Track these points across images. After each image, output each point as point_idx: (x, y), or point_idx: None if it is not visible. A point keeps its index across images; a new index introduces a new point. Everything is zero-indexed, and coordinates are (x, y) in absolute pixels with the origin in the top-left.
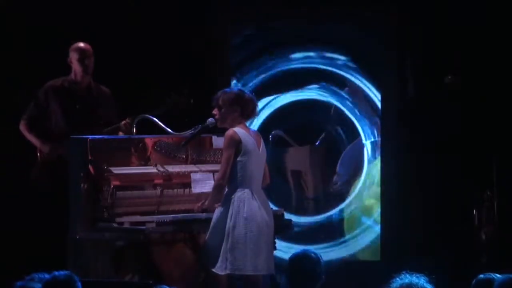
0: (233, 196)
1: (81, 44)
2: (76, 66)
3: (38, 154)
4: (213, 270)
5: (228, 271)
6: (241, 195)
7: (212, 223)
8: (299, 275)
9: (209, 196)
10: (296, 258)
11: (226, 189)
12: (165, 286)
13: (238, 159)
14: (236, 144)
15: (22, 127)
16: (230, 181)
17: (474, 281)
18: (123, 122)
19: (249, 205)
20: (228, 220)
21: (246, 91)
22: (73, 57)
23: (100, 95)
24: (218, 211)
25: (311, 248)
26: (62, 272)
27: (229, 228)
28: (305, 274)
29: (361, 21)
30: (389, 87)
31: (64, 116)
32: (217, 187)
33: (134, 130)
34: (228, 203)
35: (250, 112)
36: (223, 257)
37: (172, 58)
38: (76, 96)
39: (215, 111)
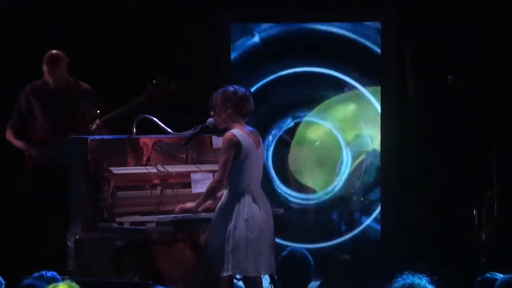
0: (233, 198)
1: (50, 54)
2: (46, 74)
3: (26, 159)
4: (215, 271)
5: (229, 272)
6: (241, 197)
7: (212, 224)
8: (288, 276)
9: (201, 196)
10: (283, 259)
11: (226, 191)
12: (160, 286)
13: (238, 161)
14: (234, 147)
15: (8, 135)
16: (229, 182)
17: (479, 278)
18: (94, 126)
19: (250, 207)
20: (229, 221)
21: (240, 88)
22: (44, 66)
23: (80, 92)
24: (218, 212)
25: (310, 248)
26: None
27: (230, 230)
28: (293, 274)
29: (361, 21)
30: (389, 87)
31: (46, 117)
32: (212, 189)
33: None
34: (228, 204)
35: (245, 109)
36: (225, 258)
37: (172, 58)
38: (55, 96)
39: (212, 112)
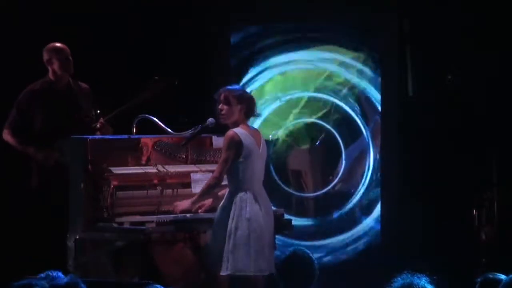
0: (235, 197)
1: (59, 44)
2: (56, 66)
3: (33, 162)
4: (215, 270)
5: (229, 272)
6: (243, 196)
7: (214, 224)
8: (291, 275)
9: (198, 193)
10: (287, 259)
11: (228, 190)
12: (158, 286)
13: (240, 160)
14: (236, 146)
15: (7, 136)
16: (231, 182)
17: (480, 279)
18: (98, 125)
19: (252, 206)
20: (230, 221)
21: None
22: (53, 57)
23: (80, 92)
24: (219, 212)
25: (310, 247)
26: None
27: (231, 229)
28: (296, 274)
29: (361, 21)
30: (389, 86)
31: (48, 118)
32: (210, 186)
33: (111, 129)
34: (230, 204)
35: (252, 111)
36: (225, 258)
37: (171, 58)
38: (56, 96)
39: (221, 107)
